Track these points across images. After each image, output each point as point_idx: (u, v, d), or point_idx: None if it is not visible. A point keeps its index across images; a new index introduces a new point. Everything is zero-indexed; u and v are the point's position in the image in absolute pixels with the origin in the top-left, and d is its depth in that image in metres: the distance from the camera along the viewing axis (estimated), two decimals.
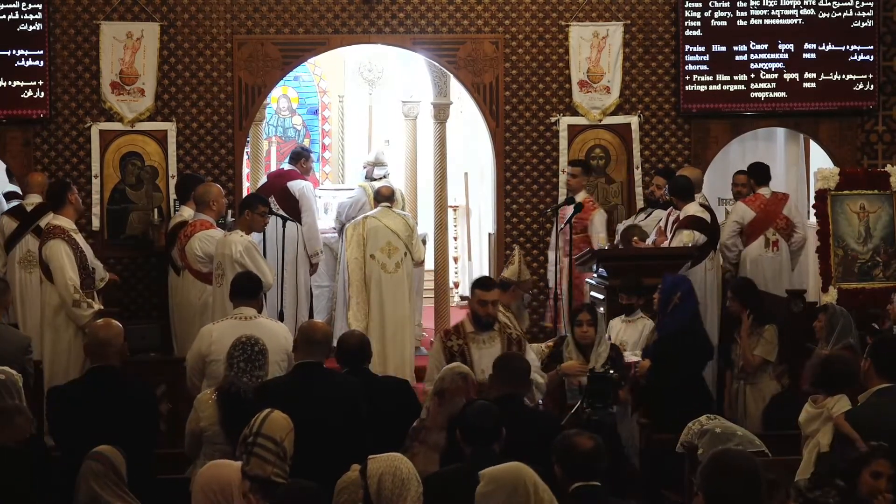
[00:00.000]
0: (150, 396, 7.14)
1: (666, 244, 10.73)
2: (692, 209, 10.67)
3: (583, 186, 11.42)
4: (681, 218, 10.67)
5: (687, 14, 12.12)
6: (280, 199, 11.85)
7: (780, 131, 12.80)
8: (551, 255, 11.40)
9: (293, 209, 11.81)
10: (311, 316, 12.21)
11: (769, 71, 12.21)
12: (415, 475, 5.17)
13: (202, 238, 9.95)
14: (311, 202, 12.12)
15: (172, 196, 11.58)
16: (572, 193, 11.35)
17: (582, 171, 11.45)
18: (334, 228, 12.73)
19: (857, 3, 12.20)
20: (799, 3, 12.18)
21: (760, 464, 4.58)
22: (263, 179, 12.83)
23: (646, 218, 11.54)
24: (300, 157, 12.40)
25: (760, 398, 9.01)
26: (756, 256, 11.31)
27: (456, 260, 15.30)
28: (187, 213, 10.58)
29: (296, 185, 12.00)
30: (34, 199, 10.77)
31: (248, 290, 7.83)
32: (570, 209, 11.00)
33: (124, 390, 6.81)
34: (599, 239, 11.11)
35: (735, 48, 12.17)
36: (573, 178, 11.39)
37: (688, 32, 12.14)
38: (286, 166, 12.56)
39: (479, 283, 7.91)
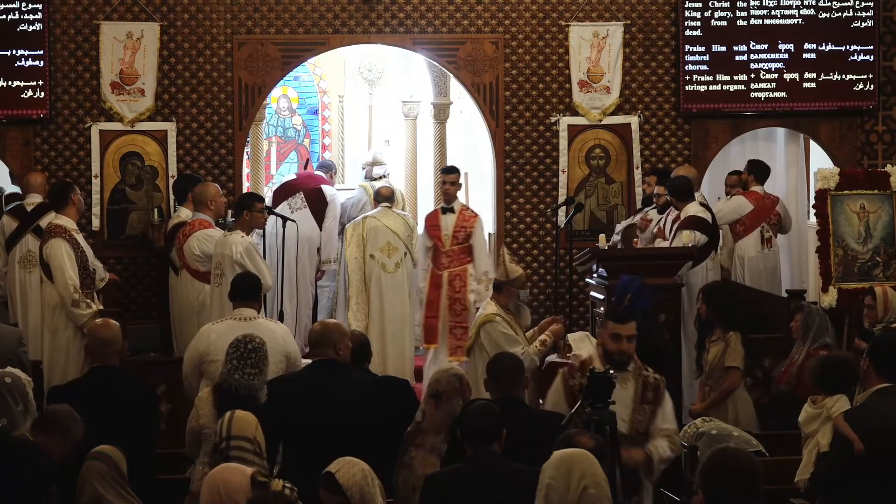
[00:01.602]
0: (150, 397, 7.14)
1: (666, 244, 10.74)
2: (692, 209, 10.68)
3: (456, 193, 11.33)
4: (681, 218, 10.67)
5: (687, 14, 12.12)
6: (310, 197, 12.13)
7: (780, 131, 12.80)
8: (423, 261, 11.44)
9: (319, 210, 11.99)
10: (314, 316, 12.22)
11: (769, 71, 12.21)
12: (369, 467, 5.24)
13: (200, 237, 9.97)
14: (338, 212, 12.27)
15: (172, 196, 11.60)
16: (450, 201, 11.22)
17: (459, 177, 11.38)
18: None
19: (857, 3, 12.19)
20: (799, 3, 12.18)
21: (760, 463, 4.59)
22: (270, 180, 12.90)
23: (639, 217, 11.56)
24: (331, 169, 12.93)
25: (732, 403, 8.89)
26: (753, 255, 11.47)
27: None
28: (185, 213, 10.59)
29: (330, 191, 12.34)
30: (34, 199, 10.77)
31: (247, 291, 7.83)
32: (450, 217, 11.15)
33: (124, 390, 6.82)
34: (484, 252, 10.99)
35: (735, 48, 12.17)
36: (453, 186, 11.24)
37: (688, 32, 12.14)
38: (317, 172, 12.79)
39: (613, 314, 6.79)
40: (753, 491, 4.38)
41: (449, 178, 11.27)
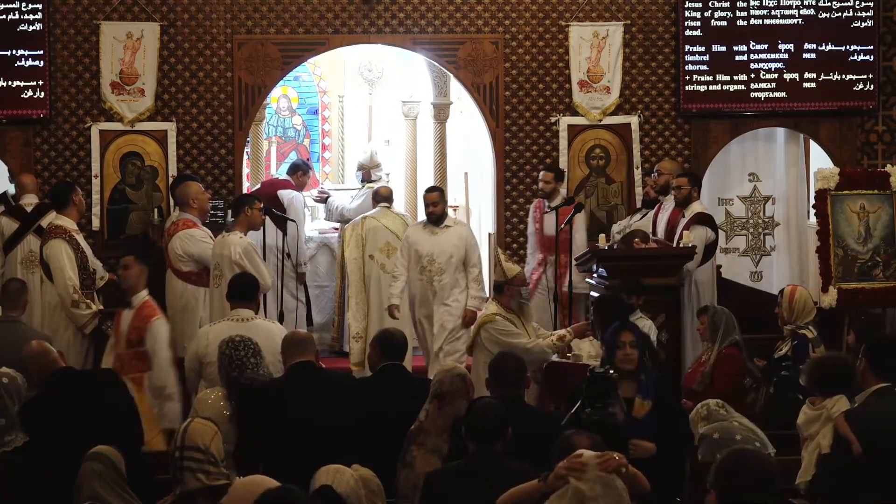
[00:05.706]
0: (119, 396, 7.02)
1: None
2: (698, 207, 10.70)
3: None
4: (686, 217, 10.65)
5: (687, 14, 12.12)
6: (270, 205, 11.90)
7: (780, 131, 12.79)
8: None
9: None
10: (309, 316, 12.17)
11: (769, 71, 12.20)
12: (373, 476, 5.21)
13: (183, 237, 9.94)
14: (300, 214, 12.10)
15: (171, 196, 11.60)
16: (130, 291, 8.63)
17: (134, 262, 8.70)
18: (335, 228, 12.75)
19: (857, 3, 12.19)
20: (799, 3, 12.18)
21: (776, 464, 4.56)
22: (264, 179, 12.84)
23: (641, 218, 11.53)
24: (297, 170, 12.46)
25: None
26: None
27: None
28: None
29: (286, 195, 11.97)
30: (31, 200, 10.77)
31: (244, 291, 7.84)
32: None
33: (99, 393, 6.77)
34: (166, 362, 8.40)
35: (735, 48, 12.17)
36: (125, 271, 8.55)
37: (688, 32, 12.14)
38: (283, 176, 12.59)
39: None
40: (767, 492, 4.35)
41: (121, 262, 8.66)
